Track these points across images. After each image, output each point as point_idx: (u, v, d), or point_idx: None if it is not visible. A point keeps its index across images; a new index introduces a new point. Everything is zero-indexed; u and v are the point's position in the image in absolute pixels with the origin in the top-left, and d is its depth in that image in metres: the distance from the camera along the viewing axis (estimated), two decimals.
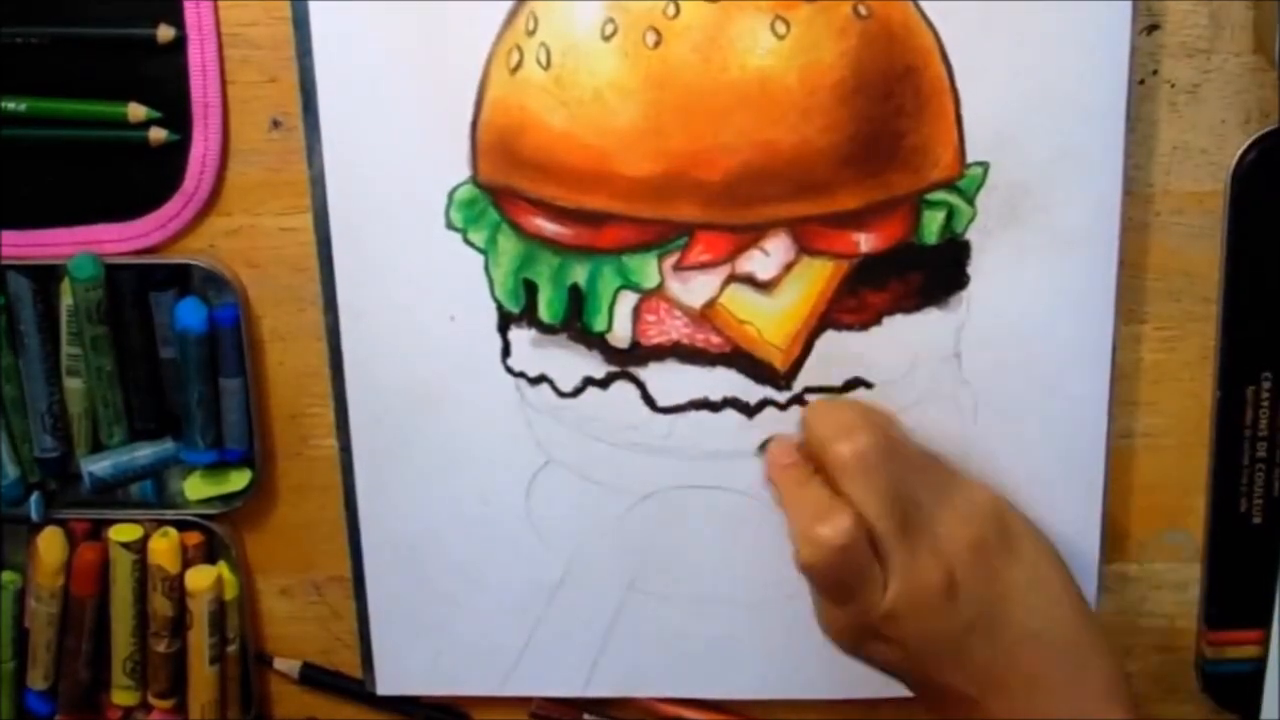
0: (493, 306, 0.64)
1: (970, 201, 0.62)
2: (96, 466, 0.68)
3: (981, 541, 0.59)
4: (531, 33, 0.61)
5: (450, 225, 0.63)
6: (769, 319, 0.64)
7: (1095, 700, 0.59)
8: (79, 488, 0.69)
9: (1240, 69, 0.62)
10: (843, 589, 0.58)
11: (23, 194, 0.65)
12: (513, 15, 0.61)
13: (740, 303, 0.63)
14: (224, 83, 0.64)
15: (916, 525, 0.59)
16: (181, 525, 0.69)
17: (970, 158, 0.62)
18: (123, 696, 0.71)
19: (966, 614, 0.58)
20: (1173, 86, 0.62)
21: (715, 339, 0.64)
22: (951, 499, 0.60)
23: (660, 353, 0.64)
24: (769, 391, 0.65)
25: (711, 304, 0.64)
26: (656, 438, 0.65)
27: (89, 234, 0.65)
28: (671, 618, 0.68)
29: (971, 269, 0.63)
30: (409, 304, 0.65)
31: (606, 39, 0.60)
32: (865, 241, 0.62)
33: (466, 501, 0.67)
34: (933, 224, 0.62)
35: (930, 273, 0.63)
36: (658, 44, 0.60)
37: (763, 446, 0.65)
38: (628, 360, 0.65)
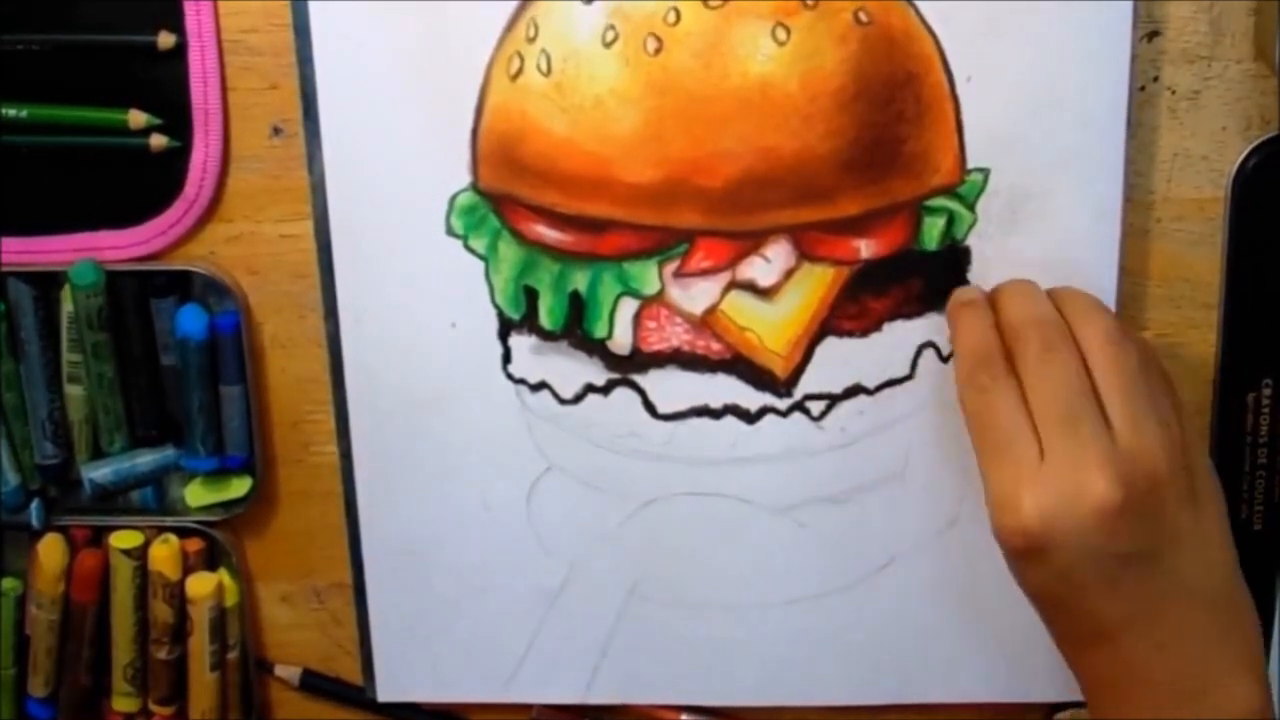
0: (493, 313, 0.64)
1: (971, 207, 0.62)
2: (97, 473, 0.68)
3: (1166, 477, 0.55)
4: (532, 39, 0.61)
5: (451, 232, 0.63)
6: (770, 326, 0.64)
7: (1229, 665, 0.57)
8: (80, 494, 0.69)
9: (1241, 75, 0.62)
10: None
11: (24, 201, 0.65)
12: (513, 22, 0.61)
13: (741, 309, 0.63)
14: (225, 89, 0.64)
15: (1109, 435, 0.56)
16: (182, 532, 0.69)
17: (971, 164, 0.62)
18: (123, 703, 0.71)
19: (1129, 543, 0.55)
20: (1173, 93, 0.62)
21: (716, 346, 0.64)
22: (1149, 424, 0.56)
23: (661, 359, 0.64)
24: (769, 398, 0.65)
25: (712, 310, 0.64)
26: (657, 444, 0.65)
27: (90, 241, 0.65)
28: (672, 624, 0.68)
29: (972, 275, 0.63)
30: (409, 310, 0.65)
31: (607, 45, 0.60)
32: (866, 248, 0.62)
33: (467, 508, 0.67)
34: (933, 230, 0.62)
35: (931, 279, 0.63)
36: (658, 51, 0.60)
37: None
38: (628, 367, 0.65)
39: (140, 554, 0.69)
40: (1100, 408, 0.56)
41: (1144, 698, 0.57)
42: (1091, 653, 0.58)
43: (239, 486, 0.69)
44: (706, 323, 0.64)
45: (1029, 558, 0.56)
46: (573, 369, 0.65)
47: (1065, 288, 0.61)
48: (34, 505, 0.69)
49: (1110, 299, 0.63)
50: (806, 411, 0.65)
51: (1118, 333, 0.58)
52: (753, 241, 0.62)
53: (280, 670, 0.72)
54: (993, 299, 0.61)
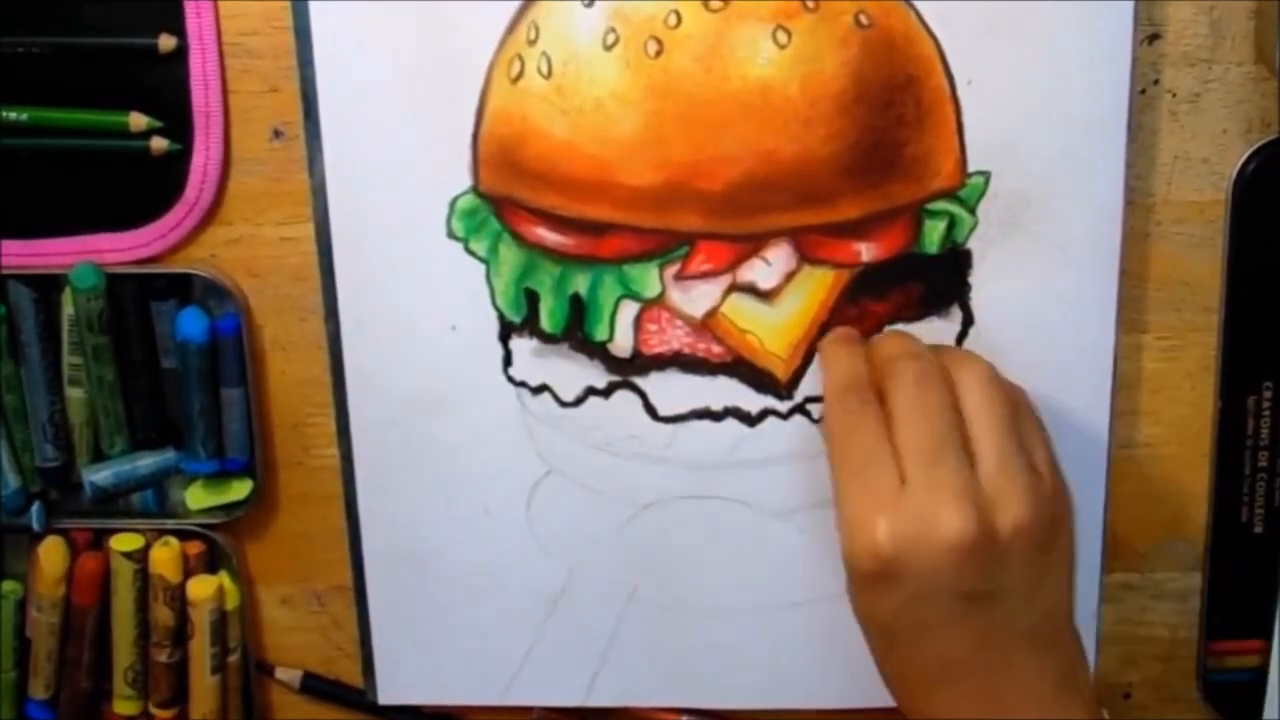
0: (494, 316, 0.64)
1: (971, 211, 0.62)
2: (98, 476, 0.68)
3: (1024, 523, 0.55)
4: (533, 42, 0.61)
5: (451, 235, 0.63)
6: (770, 328, 0.64)
7: (1067, 707, 0.57)
8: (80, 497, 0.69)
9: (1241, 78, 0.62)
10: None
11: (24, 203, 0.65)
12: (514, 25, 0.61)
13: (741, 312, 0.63)
14: (225, 92, 0.64)
15: (973, 474, 0.56)
16: (183, 535, 0.69)
17: (971, 167, 0.62)
18: (124, 706, 0.71)
19: (978, 581, 0.55)
20: (1174, 96, 0.62)
21: (716, 348, 0.64)
22: (1015, 468, 0.56)
23: (661, 362, 0.64)
24: (770, 401, 0.65)
25: (713, 313, 0.64)
26: (658, 447, 0.65)
27: (90, 243, 0.65)
28: (672, 627, 0.68)
29: (973, 278, 0.63)
30: (410, 313, 0.65)
31: (608, 48, 0.60)
32: (867, 251, 0.62)
33: (468, 511, 0.67)
34: (934, 233, 0.62)
35: (931, 282, 0.63)
36: (659, 53, 0.60)
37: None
38: (629, 370, 0.65)
39: (141, 557, 0.69)
40: (969, 448, 0.56)
41: None
42: (938, 693, 0.57)
43: (239, 489, 0.69)
44: (707, 325, 0.64)
45: (877, 583, 0.56)
46: (573, 372, 0.65)
47: (938, 344, 0.62)
48: (34, 508, 0.69)
49: (1111, 302, 0.63)
50: (808, 414, 0.65)
51: (993, 376, 0.58)
52: (753, 244, 0.62)
53: (281, 673, 0.72)
54: (870, 342, 0.62)
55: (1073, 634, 0.60)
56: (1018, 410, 0.59)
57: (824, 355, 0.63)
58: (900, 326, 0.64)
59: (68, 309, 0.66)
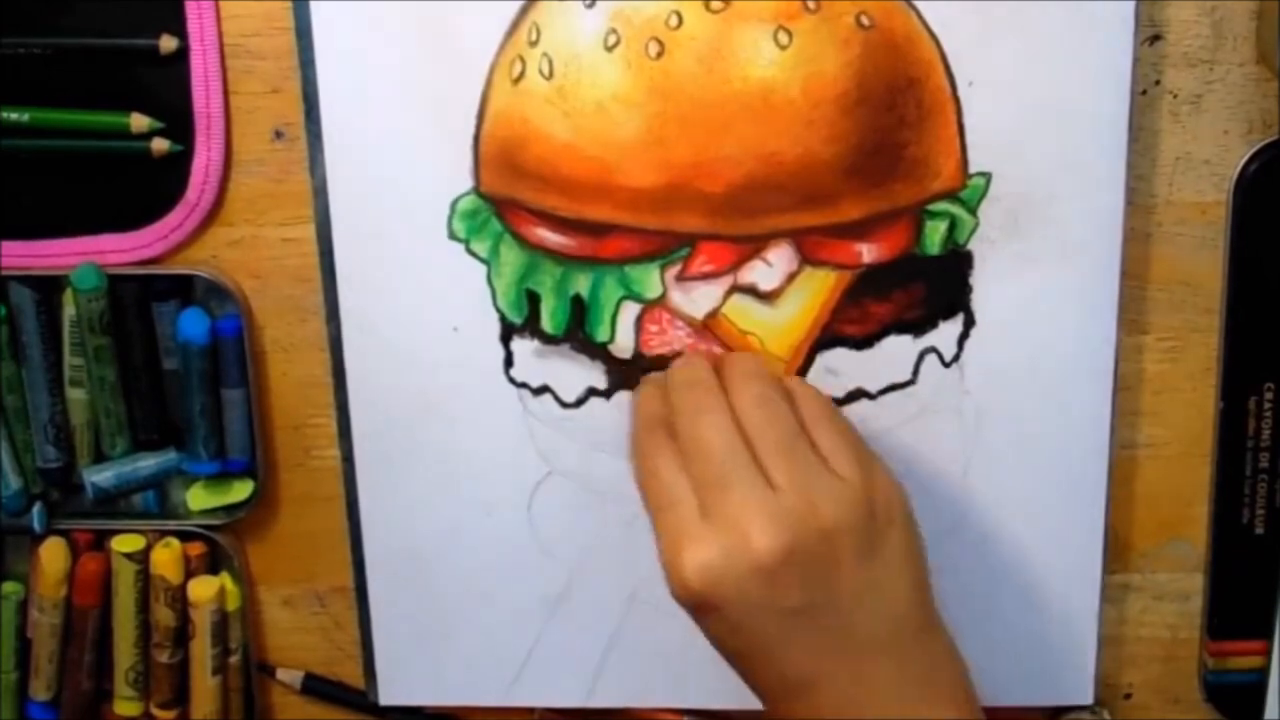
0: (495, 317, 0.64)
1: (972, 212, 0.62)
2: (99, 477, 0.68)
3: (835, 531, 0.55)
4: (534, 43, 0.61)
5: (453, 236, 0.63)
6: (771, 330, 0.64)
7: (929, 707, 0.57)
8: (81, 498, 0.69)
9: (1242, 79, 0.62)
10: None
11: (25, 205, 0.65)
12: (515, 26, 0.61)
13: (743, 313, 0.63)
14: (226, 93, 0.64)
15: (771, 493, 0.55)
16: (184, 536, 0.69)
17: (972, 168, 0.62)
18: (125, 707, 0.71)
19: (797, 596, 0.55)
20: (1175, 97, 0.62)
21: (718, 350, 0.64)
22: (814, 479, 0.56)
23: (663, 363, 0.64)
24: None
25: (714, 314, 0.64)
26: None
27: (91, 244, 0.65)
28: (674, 629, 0.68)
29: (974, 279, 0.63)
30: (411, 314, 0.65)
31: (609, 50, 0.60)
32: (868, 252, 0.62)
33: (469, 512, 0.67)
34: (935, 235, 0.62)
35: (933, 283, 0.63)
36: (660, 55, 0.60)
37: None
38: (630, 370, 0.65)
39: (142, 558, 0.69)
40: (763, 470, 0.56)
41: None
42: (793, 705, 0.57)
43: (241, 490, 0.69)
44: (708, 326, 0.64)
45: (701, 614, 0.56)
46: (575, 373, 0.65)
47: (732, 354, 0.63)
48: (36, 509, 0.69)
49: (1112, 303, 0.63)
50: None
51: (768, 395, 0.58)
52: (754, 245, 0.62)
53: (282, 674, 0.72)
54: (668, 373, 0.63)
55: (933, 634, 0.59)
56: (821, 418, 0.59)
57: (634, 394, 0.64)
58: (902, 328, 0.64)
59: (69, 310, 0.66)
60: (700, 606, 0.56)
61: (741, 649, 0.57)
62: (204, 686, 0.70)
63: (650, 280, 0.63)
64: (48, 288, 0.66)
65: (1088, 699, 0.69)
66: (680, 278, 0.63)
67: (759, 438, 0.57)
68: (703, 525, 0.55)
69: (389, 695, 0.71)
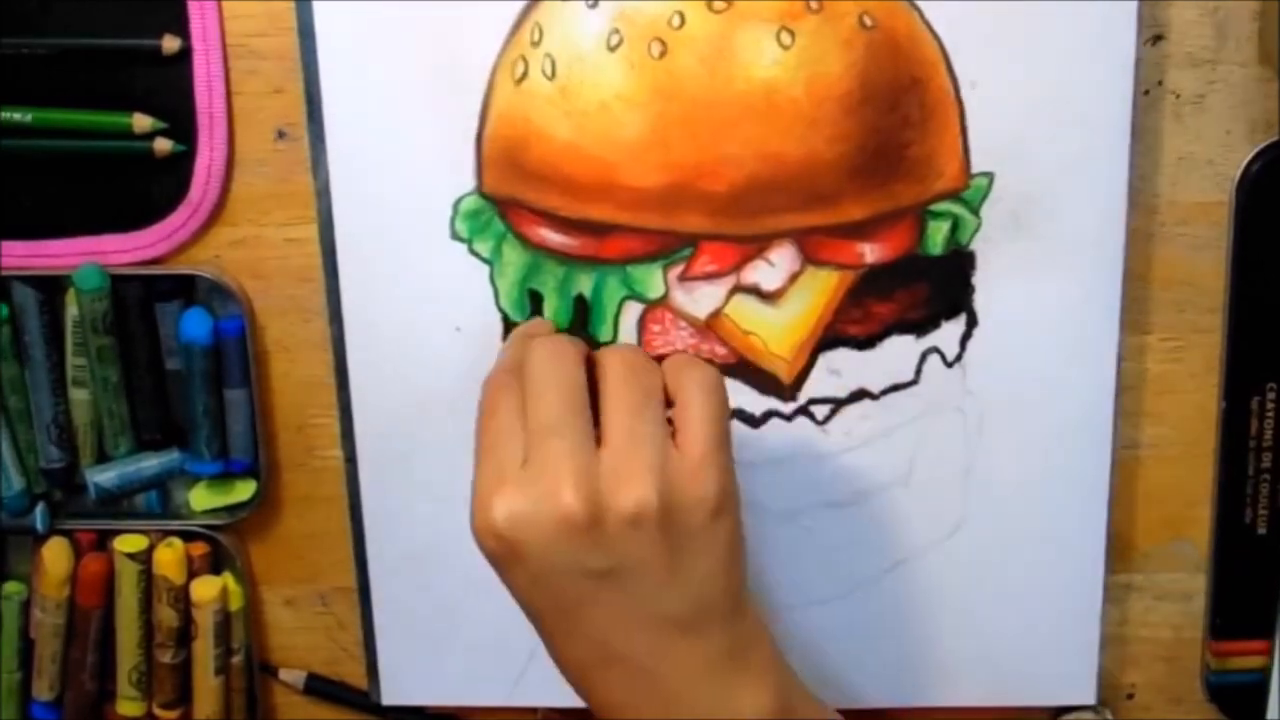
0: (498, 317, 0.64)
1: (975, 212, 0.62)
2: (102, 477, 0.68)
3: (648, 504, 0.53)
4: (537, 43, 0.61)
5: (455, 236, 0.64)
6: (774, 330, 0.64)
7: (733, 684, 0.56)
8: (84, 498, 0.69)
9: (1245, 79, 0.62)
10: None
11: (28, 205, 0.65)
12: (518, 26, 0.61)
13: (745, 313, 0.63)
14: (229, 93, 0.64)
15: (595, 451, 0.54)
16: (187, 536, 0.69)
17: (975, 168, 0.62)
18: (128, 707, 0.71)
19: (600, 559, 0.53)
20: (1178, 97, 0.62)
21: (720, 350, 0.64)
22: (644, 449, 0.54)
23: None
24: (774, 403, 0.65)
25: (716, 315, 0.64)
26: None
27: (94, 245, 0.65)
28: None
29: (976, 279, 0.63)
30: (414, 314, 0.65)
31: (612, 50, 0.60)
32: (871, 252, 0.62)
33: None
34: (938, 235, 0.62)
35: (935, 283, 0.63)
36: (663, 55, 0.60)
37: None
38: None
39: (145, 558, 0.69)
40: (601, 424, 0.55)
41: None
42: (596, 677, 0.56)
43: (243, 490, 0.69)
44: (711, 327, 0.64)
45: (501, 560, 0.55)
46: None
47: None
48: (38, 509, 0.69)
49: (1114, 303, 0.63)
50: (811, 416, 0.65)
51: (638, 357, 0.57)
52: (757, 245, 0.62)
53: (285, 674, 0.72)
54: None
55: (743, 617, 0.57)
56: (683, 391, 0.56)
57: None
58: (904, 328, 0.64)
59: (72, 310, 0.66)
60: (504, 554, 0.55)
61: (542, 606, 0.56)
62: (207, 687, 0.70)
63: (653, 280, 0.63)
64: (50, 288, 0.66)
65: (1090, 699, 0.69)
66: (683, 278, 0.63)
67: (608, 398, 0.55)
68: (521, 471, 0.54)
69: (392, 695, 0.71)
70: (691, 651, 0.55)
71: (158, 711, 0.71)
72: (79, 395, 0.67)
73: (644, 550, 0.54)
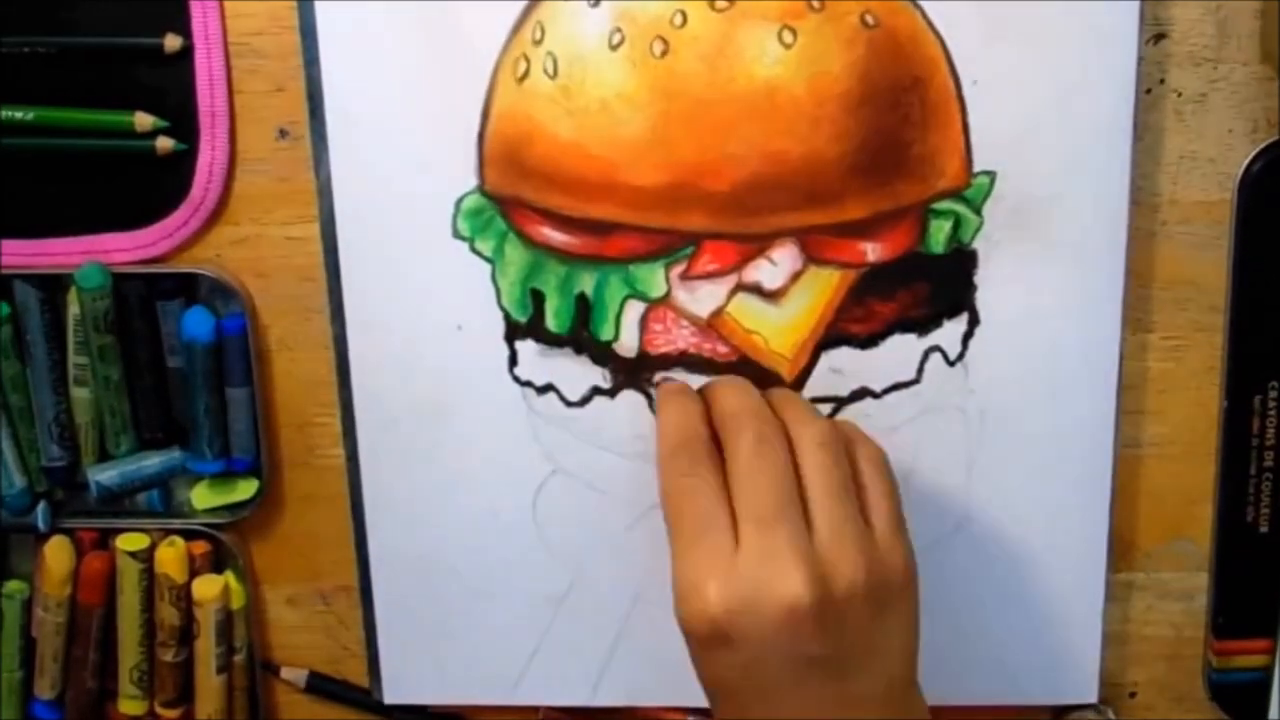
0: (500, 316, 0.64)
1: (977, 211, 0.62)
2: (103, 476, 0.68)
3: (862, 588, 0.55)
4: (538, 42, 0.61)
5: (457, 234, 0.64)
6: (776, 329, 0.64)
7: None
8: (86, 497, 0.69)
9: (1247, 78, 0.62)
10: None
11: (30, 203, 0.65)
12: (519, 24, 0.61)
13: (747, 312, 0.63)
14: (231, 92, 0.64)
15: (809, 537, 0.55)
16: (188, 534, 0.69)
17: (977, 167, 0.62)
18: (130, 706, 0.71)
19: (817, 647, 0.54)
20: (1179, 96, 0.62)
21: (722, 349, 0.64)
22: (851, 531, 0.56)
23: (667, 362, 0.64)
24: None
25: (718, 313, 0.64)
26: None
27: (96, 243, 0.65)
28: (678, 628, 0.68)
29: (978, 278, 0.63)
30: (416, 313, 0.65)
31: (614, 48, 0.60)
32: (873, 251, 0.62)
33: (473, 511, 0.67)
34: (940, 233, 0.62)
35: (937, 282, 0.63)
36: (665, 53, 0.60)
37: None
38: (635, 370, 0.65)
39: (146, 556, 0.69)
40: (805, 510, 0.56)
41: None
42: None
43: (245, 489, 0.69)
44: (713, 325, 0.64)
45: (712, 647, 0.55)
46: (579, 372, 0.65)
47: (782, 390, 0.63)
48: (40, 508, 0.69)
49: (1116, 301, 0.63)
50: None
51: (832, 437, 0.58)
52: (759, 244, 0.62)
53: (286, 673, 0.72)
54: (706, 392, 0.62)
55: (913, 693, 0.59)
56: (871, 466, 0.59)
57: (659, 410, 0.63)
58: (906, 327, 0.64)
59: (73, 309, 0.66)
60: (716, 639, 0.55)
61: (746, 690, 0.56)
62: (208, 685, 0.70)
63: (655, 279, 0.63)
64: (52, 286, 0.66)
65: (1092, 698, 0.69)
66: (685, 276, 0.63)
67: (815, 480, 0.56)
68: (735, 559, 0.55)
69: (393, 694, 0.71)
70: None
71: (159, 710, 0.71)
72: (81, 394, 0.68)
73: (856, 634, 0.55)
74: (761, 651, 0.55)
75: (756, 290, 0.63)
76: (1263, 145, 0.62)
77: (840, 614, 0.55)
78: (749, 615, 0.54)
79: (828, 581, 0.54)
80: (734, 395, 0.61)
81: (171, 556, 0.69)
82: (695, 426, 0.59)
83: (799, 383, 0.64)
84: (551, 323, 0.64)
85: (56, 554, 0.69)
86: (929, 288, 0.63)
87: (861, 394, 0.64)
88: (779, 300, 0.63)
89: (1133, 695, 0.71)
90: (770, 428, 0.58)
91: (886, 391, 0.65)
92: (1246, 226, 0.63)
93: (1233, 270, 0.64)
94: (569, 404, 0.65)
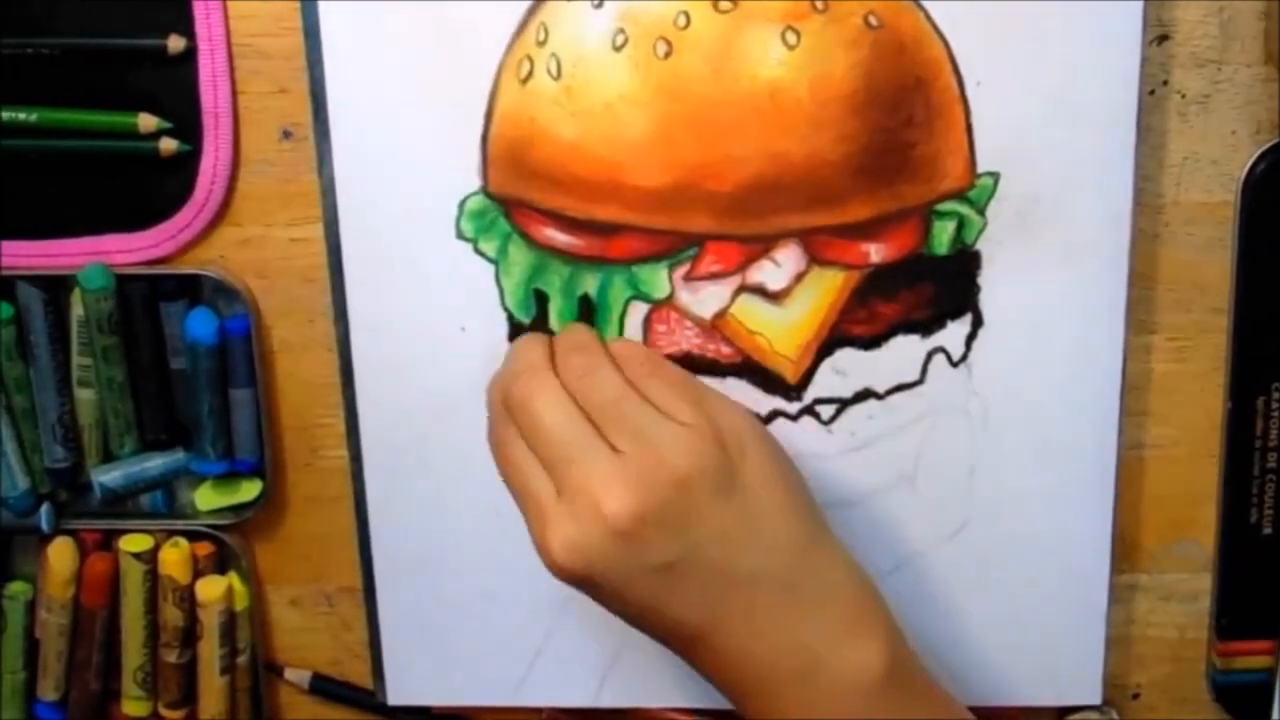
0: (503, 317, 0.64)
1: (981, 212, 0.62)
2: (107, 477, 0.68)
3: (688, 477, 0.55)
4: (542, 43, 0.61)
5: (461, 235, 0.64)
6: (779, 330, 0.64)
7: (837, 634, 0.57)
8: (90, 498, 0.69)
9: (1251, 79, 0.62)
10: None
11: (33, 205, 0.65)
12: (523, 26, 0.61)
13: (751, 313, 0.63)
14: (235, 93, 0.64)
15: (616, 457, 0.56)
16: (192, 536, 0.69)
17: (981, 168, 0.62)
18: (133, 707, 0.71)
19: (665, 550, 0.55)
20: (1183, 97, 0.62)
21: (726, 350, 0.64)
22: (655, 433, 0.56)
23: None
24: (779, 402, 0.65)
25: (722, 315, 0.64)
26: None
27: (99, 244, 0.65)
28: None
29: (982, 279, 0.63)
30: (420, 314, 0.65)
31: (617, 49, 0.60)
32: (876, 252, 0.62)
33: (477, 511, 0.67)
34: (943, 234, 0.62)
35: (941, 283, 0.63)
36: (668, 55, 0.60)
37: None
38: None
39: (150, 558, 0.69)
40: (603, 436, 0.56)
41: (759, 685, 0.57)
42: (698, 653, 0.58)
43: (249, 490, 0.69)
44: (716, 326, 0.64)
45: (583, 588, 0.57)
46: None
47: (560, 333, 0.63)
48: (44, 509, 0.69)
49: (1120, 303, 0.63)
50: (816, 416, 0.65)
51: (592, 362, 0.59)
52: (762, 245, 0.62)
53: (290, 674, 0.72)
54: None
55: (821, 551, 0.58)
56: (633, 378, 0.59)
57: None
58: (909, 328, 0.64)
59: (77, 310, 0.66)
60: (577, 582, 0.56)
61: (629, 612, 0.57)
62: (212, 686, 0.70)
63: (658, 280, 0.63)
64: (56, 288, 0.66)
65: (1095, 699, 0.69)
66: (688, 278, 0.63)
67: (589, 408, 0.57)
68: (558, 504, 0.56)
69: (397, 695, 0.71)
70: (781, 601, 0.57)
71: (163, 711, 0.71)
72: (84, 395, 0.68)
73: (699, 526, 0.56)
74: (619, 577, 0.55)
75: (760, 291, 0.63)
76: (1266, 146, 0.62)
77: (674, 513, 0.55)
78: (588, 549, 0.55)
79: (644, 489, 0.55)
80: (514, 356, 0.62)
81: (175, 558, 0.69)
82: (496, 397, 0.60)
83: (802, 384, 0.64)
84: (555, 324, 0.64)
85: (60, 555, 0.69)
86: (932, 289, 0.63)
87: (865, 395, 0.64)
88: (782, 301, 0.63)
89: (1136, 696, 0.71)
90: (535, 378, 0.59)
91: (890, 393, 0.65)
92: (1250, 228, 0.63)
93: (1236, 271, 0.64)
94: None
